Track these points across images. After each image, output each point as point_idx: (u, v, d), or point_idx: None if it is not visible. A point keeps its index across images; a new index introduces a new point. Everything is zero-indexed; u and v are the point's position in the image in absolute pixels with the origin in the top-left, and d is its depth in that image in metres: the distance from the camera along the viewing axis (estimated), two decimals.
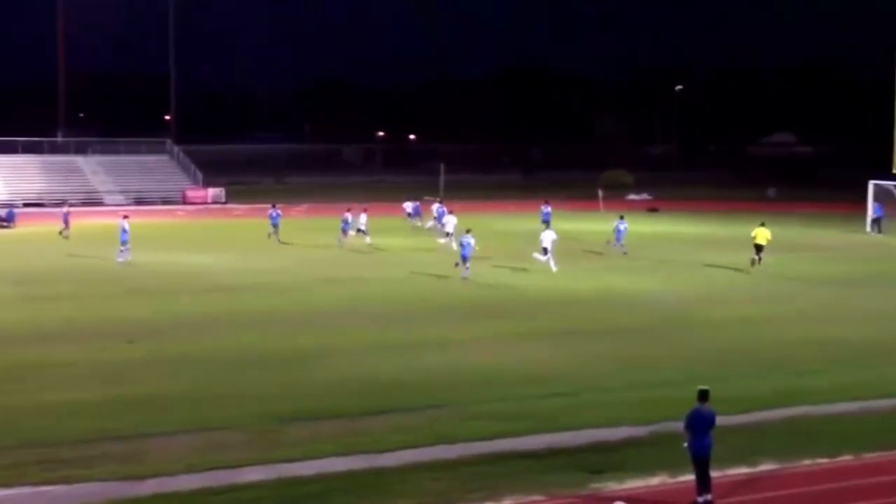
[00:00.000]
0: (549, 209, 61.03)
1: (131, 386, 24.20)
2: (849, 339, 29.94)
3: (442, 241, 51.98)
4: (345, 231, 53.35)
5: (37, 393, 23.50)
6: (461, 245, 42.83)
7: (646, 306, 35.60)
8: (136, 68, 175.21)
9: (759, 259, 44.88)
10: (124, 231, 46.42)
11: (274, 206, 57.86)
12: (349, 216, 53.91)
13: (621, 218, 50.90)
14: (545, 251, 44.02)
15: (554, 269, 42.71)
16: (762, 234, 45.31)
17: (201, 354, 27.56)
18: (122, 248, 46.22)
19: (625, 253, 49.04)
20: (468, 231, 43.17)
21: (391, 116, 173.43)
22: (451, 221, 53.08)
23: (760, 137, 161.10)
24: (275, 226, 56.40)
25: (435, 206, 61.77)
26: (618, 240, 50.15)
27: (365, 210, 54.15)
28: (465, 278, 41.18)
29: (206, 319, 32.72)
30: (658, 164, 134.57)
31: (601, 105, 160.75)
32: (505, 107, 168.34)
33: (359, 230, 52.74)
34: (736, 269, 44.95)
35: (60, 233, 56.86)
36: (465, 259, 41.91)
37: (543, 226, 54.67)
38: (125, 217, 48.31)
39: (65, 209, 58.92)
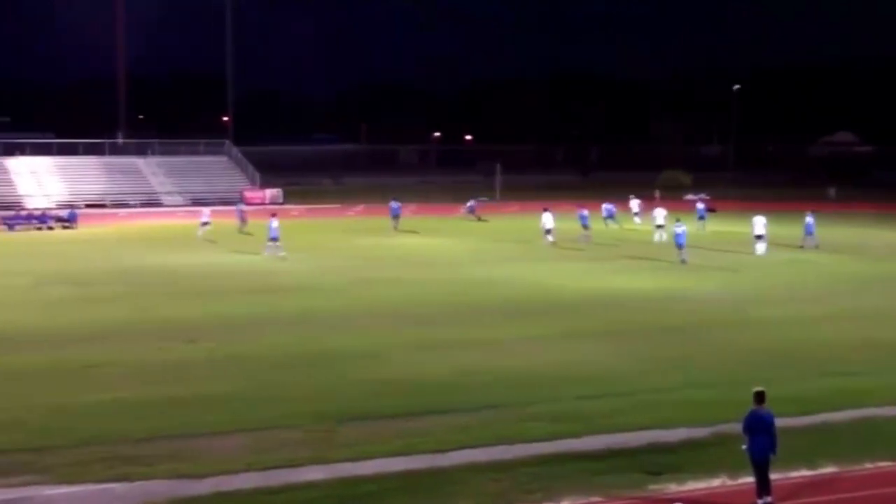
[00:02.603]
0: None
1: (188, 385, 24.40)
2: None
3: (655, 237, 54.06)
4: (585, 227, 55.25)
5: (97, 392, 23.76)
6: (675, 234, 45.64)
7: (699, 306, 35.31)
8: (195, 70, 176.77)
9: None
10: (273, 229, 48.94)
11: (394, 199, 62.71)
12: (587, 212, 56.25)
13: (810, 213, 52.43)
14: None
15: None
16: None
17: (251, 354, 27.69)
18: (269, 244, 48.82)
19: (816, 246, 51.10)
20: (678, 220, 46.59)
21: (447, 117, 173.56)
22: (661, 214, 55.41)
23: (821, 137, 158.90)
24: (396, 217, 60.79)
25: (633, 202, 66.32)
26: (808, 232, 51.99)
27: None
28: (684, 262, 44.55)
29: (256, 320, 32.78)
30: (715, 164, 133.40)
31: (656, 106, 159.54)
32: (560, 108, 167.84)
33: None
34: (791, 268, 44.57)
35: (239, 231, 58.26)
36: (681, 246, 45.01)
37: (701, 222, 60.74)
38: (273, 215, 51.09)
39: (241, 206, 61.25)
